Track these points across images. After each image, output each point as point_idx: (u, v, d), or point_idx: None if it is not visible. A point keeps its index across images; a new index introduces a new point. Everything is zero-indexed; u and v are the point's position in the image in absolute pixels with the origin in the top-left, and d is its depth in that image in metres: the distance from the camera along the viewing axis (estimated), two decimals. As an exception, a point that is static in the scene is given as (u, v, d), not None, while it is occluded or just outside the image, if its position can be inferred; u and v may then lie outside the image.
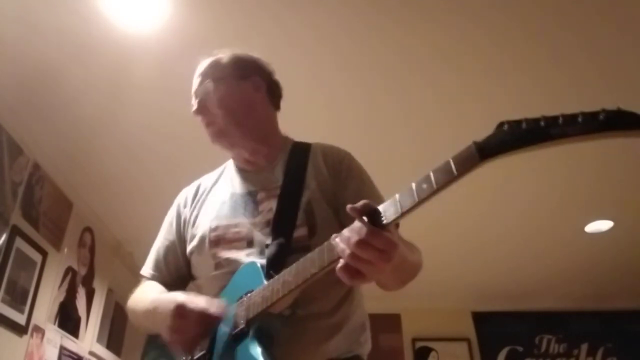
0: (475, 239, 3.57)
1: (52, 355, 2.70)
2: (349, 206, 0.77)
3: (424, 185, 0.70)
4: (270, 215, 1.08)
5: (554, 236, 3.53)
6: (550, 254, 3.76)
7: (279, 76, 1.29)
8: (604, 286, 4.23)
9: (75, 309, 3.03)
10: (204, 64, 1.23)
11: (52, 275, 2.75)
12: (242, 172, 1.21)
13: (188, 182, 1.31)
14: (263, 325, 0.93)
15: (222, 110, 1.16)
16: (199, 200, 1.22)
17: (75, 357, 2.95)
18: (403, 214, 0.73)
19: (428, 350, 4.36)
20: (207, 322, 0.95)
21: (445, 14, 1.95)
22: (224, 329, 0.98)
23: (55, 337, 2.74)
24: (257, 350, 0.89)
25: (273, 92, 1.25)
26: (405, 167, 2.27)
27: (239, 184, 1.18)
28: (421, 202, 0.71)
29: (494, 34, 2.04)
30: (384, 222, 0.75)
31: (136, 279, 1.25)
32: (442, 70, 2.21)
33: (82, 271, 3.12)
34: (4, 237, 2.31)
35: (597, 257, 3.81)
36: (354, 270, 0.78)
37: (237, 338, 0.94)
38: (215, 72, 1.20)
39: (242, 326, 0.94)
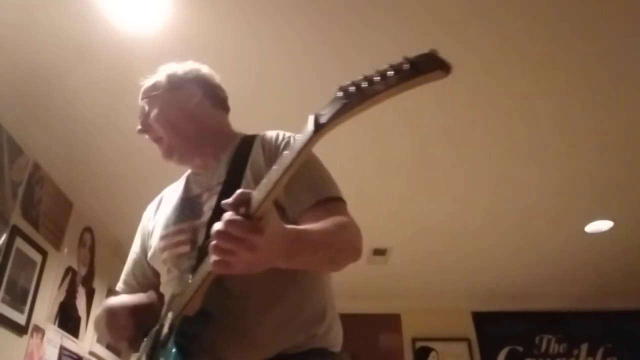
0: (475, 239, 3.57)
1: (52, 355, 2.70)
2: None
3: (275, 167, 0.72)
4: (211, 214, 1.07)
5: (554, 236, 3.53)
6: (550, 254, 3.77)
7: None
8: (604, 286, 4.23)
9: (75, 309, 3.03)
10: (143, 88, 1.26)
11: (52, 275, 2.75)
12: (194, 176, 1.24)
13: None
14: (183, 329, 0.95)
15: (160, 123, 1.19)
16: (158, 211, 1.26)
17: (75, 357, 2.95)
18: (267, 196, 0.72)
19: (428, 350, 4.37)
20: (130, 313, 1.05)
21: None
22: (160, 333, 1.02)
23: (55, 337, 2.74)
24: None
25: (213, 95, 1.26)
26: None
27: (188, 188, 1.21)
28: (278, 181, 0.70)
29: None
30: (252, 209, 0.73)
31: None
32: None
33: (82, 271, 3.12)
34: (4, 237, 2.31)
35: (597, 257, 3.81)
36: (222, 261, 0.75)
37: (165, 343, 0.97)
38: (151, 90, 1.24)
39: (166, 331, 0.98)
